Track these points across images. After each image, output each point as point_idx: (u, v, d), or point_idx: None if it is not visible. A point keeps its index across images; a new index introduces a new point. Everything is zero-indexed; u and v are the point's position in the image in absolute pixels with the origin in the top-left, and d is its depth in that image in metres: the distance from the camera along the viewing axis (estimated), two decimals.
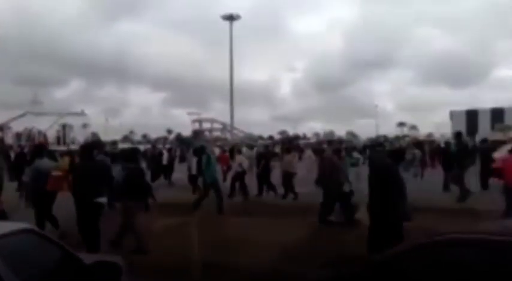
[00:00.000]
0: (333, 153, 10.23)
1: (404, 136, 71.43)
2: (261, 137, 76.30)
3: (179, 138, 66.74)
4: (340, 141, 47.47)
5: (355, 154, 16.20)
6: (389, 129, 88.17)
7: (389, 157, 6.41)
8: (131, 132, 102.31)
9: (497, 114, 53.12)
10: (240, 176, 13.06)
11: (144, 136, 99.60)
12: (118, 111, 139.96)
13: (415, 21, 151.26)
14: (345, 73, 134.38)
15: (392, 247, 3.19)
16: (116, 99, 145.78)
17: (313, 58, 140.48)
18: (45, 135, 52.32)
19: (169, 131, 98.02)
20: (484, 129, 49.18)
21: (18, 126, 62.89)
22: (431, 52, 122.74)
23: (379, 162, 7.40)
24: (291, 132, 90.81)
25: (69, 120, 72.97)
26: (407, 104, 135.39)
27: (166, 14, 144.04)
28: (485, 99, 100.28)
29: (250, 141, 45.99)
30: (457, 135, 13.43)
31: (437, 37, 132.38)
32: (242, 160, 13.55)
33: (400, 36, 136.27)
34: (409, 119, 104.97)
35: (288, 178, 12.73)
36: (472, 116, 54.91)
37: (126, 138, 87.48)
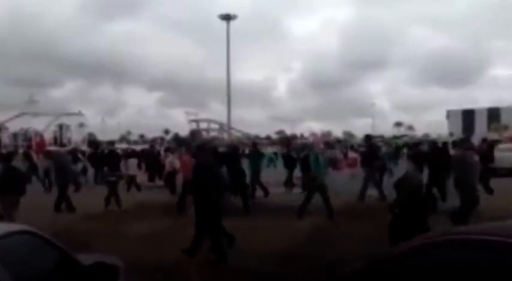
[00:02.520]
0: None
1: (401, 136, 71.59)
2: (258, 137, 76.27)
3: (177, 139, 66.73)
4: (338, 140, 47.51)
5: (353, 154, 16.16)
6: (386, 129, 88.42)
7: None
8: (128, 132, 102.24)
9: (493, 113, 53.36)
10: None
11: (141, 136, 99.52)
12: (115, 112, 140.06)
13: (410, 21, 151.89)
14: (341, 73, 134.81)
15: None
16: (113, 100, 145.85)
17: (310, 58, 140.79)
18: (41, 136, 52.06)
19: (167, 131, 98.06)
20: (481, 129, 49.33)
21: (14, 127, 62.80)
22: (427, 52, 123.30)
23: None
24: (289, 132, 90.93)
25: (66, 120, 72.88)
26: (403, 104, 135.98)
27: (163, 13, 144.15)
28: (481, 98, 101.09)
29: (248, 141, 45.94)
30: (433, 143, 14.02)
31: (432, 37, 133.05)
32: None
33: (395, 36, 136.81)
34: (405, 119, 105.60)
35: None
36: (468, 115, 55.11)
37: (123, 139, 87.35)
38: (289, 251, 6.56)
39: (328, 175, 11.38)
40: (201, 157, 6.80)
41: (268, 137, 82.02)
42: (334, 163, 15.43)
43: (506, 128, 47.01)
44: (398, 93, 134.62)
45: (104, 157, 16.41)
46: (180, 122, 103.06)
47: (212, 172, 6.41)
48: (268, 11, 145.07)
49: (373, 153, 12.82)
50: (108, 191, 11.57)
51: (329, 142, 21.75)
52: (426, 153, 11.85)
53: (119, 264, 3.05)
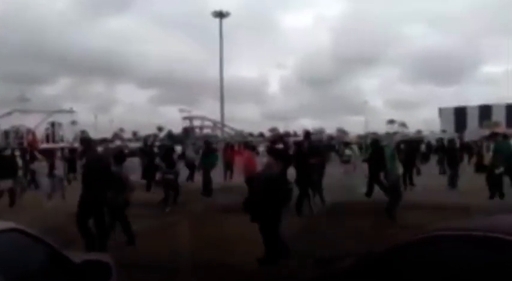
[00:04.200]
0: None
1: (394, 133, 71.84)
2: (251, 135, 76.15)
3: (170, 136, 66.49)
4: (331, 137, 47.59)
5: (347, 151, 16.21)
6: (379, 126, 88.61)
7: None
8: (121, 129, 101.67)
9: (485, 111, 53.81)
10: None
11: (135, 134, 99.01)
12: (108, 109, 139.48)
13: (403, 19, 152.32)
14: (334, 70, 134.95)
15: None
16: (106, 97, 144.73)
17: (303, 55, 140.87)
18: (34, 133, 51.60)
19: (160, 129, 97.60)
20: (472, 126, 49.73)
21: (5, 124, 62.16)
22: (420, 49, 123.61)
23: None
24: (282, 129, 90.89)
25: (58, 118, 72.16)
26: (396, 101, 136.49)
27: (156, 10, 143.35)
28: (473, 96, 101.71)
29: (241, 138, 45.91)
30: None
31: (425, 34, 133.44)
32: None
33: (388, 33, 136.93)
34: (398, 116, 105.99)
35: None
36: (460, 113, 55.57)
37: (116, 136, 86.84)
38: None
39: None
40: (89, 154, 7.52)
41: (261, 134, 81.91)
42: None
43: (497, 125, 47.38)
44: (391, 90, 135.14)
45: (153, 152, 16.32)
46: (173, 120, 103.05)
47: (100, 169, 6.81)
48: (261, 8, 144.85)
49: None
50: (164, 192, 10.90)
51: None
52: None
53: (110, 262, 3.03)
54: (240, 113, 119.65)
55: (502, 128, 43.88)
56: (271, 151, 6.98)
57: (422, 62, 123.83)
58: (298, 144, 12.24)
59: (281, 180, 6.31)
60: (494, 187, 10.87)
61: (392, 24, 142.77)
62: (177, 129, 78.31)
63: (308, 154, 10.37)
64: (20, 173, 12.72)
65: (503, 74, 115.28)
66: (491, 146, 12.28)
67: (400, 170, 9.75)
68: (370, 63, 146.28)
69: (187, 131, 74.20)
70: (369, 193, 11.55)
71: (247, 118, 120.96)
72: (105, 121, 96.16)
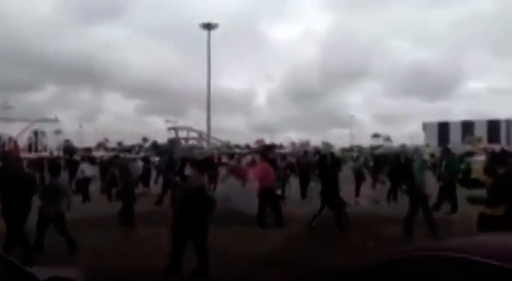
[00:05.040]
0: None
1: (378, 146, 72.53)
2: (237, 146, 76.15)
3: (155, 147, 66.10)
4: (317, 150, 47.76)
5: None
6: (364, 140, 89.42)
7: None
8: (106, 139, 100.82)
9: (467, 126, 54.80)
10: None
11: (119, 144, 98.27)
12: (93, 118, 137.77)
13: (390, 34, 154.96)
14: (321, 83, 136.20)
15: None
16: (91, 106, 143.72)
17: (290, 68, 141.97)
18: (15, 142, 50.85)
19: (145, 139, 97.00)
20: (455, 141, 50.49)
21: None
22: (405, 64, 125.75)
23: None
24: (268, 141, 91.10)
25: (41, 126, 71.35)
26: (381, 115, 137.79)
27: (145, 20, 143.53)
28: (456, 111, 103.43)
29: (227, 150, 45.83)
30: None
31: (410, 50, 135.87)
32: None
33: (375, 48, 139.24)
34: (383, 130, 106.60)
35: None
36: (443, 128, 56.43)
37: (100, 146, 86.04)
38: (261, 262, 6.53)
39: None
40: (10, 163, 7.81)
41: (247, 146, 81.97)
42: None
43: (479, 140, 48.16)
44: (376, 104, 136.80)
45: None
46: (158, 130, 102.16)
47: (20, 178, 6.91)
48: (249, 21, 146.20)
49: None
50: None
51: None
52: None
53: (77, 277, 2.95)
54: (227, 124, 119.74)
55: (484, 144, 44.64)
56: (194, 163, 7.00)
57: (407, 77, 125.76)
58: (322, 156, 12.53)
59: (203, 192, 6.34)
60: (443, 199, 11.14)
61: (379, 40, 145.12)
62: (162, 140, 77.84)
63: (333, 165, 10.42)
64: None
65: (485, 90, 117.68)
66: (443, 161, 12.63)
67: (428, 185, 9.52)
68: (356, 78, 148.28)
69: (173, 142, 73.91)
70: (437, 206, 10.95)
71: (234, 130, 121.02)
72: (90, 130, 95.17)
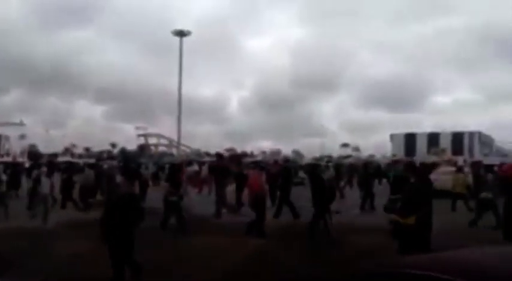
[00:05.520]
0: None
1: (347, 156, 73.64)
2: (208, 154, 75.75)
3: (124, 153, 65.05)
4: (287, 159, 48.10)
5: (301, 174, 16.46)
6: (334, 150, 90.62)
7: None
8: (73, 145, 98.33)
9: (433, 138, 56.21)
10: None
11: (87, 149, 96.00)
12: (60, 123, 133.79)
13: (360, 46, 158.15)
14: (292, 93, 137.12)
15: None
16: (59, 110, 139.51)
17: (262, 77, 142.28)
18: None
19: (114, 145, 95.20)
20: (421, 152, 51.79)
21: None
22: (375, 76, 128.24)
23: None
24: (239, 149, 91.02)
25: (5, 130, 68.94)
26: (351, 126, 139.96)
27: (116, 25, 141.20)
28: (422, 123, 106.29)
29: (198, 157, 45.57)
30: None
31: (381, 62, 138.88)
32: None
33: (345, 59, 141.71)
34: (352, 140, 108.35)
35: None
36: (410, 139, 57.56)
37: (67, 151, 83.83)
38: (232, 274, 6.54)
39: None
40: None
41: (218, 154, 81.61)
42: None
43: (444, 152, 49.61)
44: (346, 114, 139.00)
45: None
46: (128, 136, 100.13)
47: None
48: (222, 29, 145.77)
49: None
50: (164, 213, 10.19)
51: None
52: None
53: None
54: (198, 131, 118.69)
55: (448, 155, 46.04)
56: (124, 170, 7.07)
57: (376, 89, 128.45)
58: (314, 166, 12.70)
59: (132, 200, 6.17)
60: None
61: (350, 52, 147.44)
62: (132, 146, 76.66)
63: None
64: None
65: (451, 104, 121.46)
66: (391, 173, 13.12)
67: None
68: (327, 88, 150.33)
69: (142, 149, 72.91)
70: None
71: (205, 137, 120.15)
72: (57, 136, 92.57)
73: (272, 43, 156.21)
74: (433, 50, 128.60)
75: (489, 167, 15.84)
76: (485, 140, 56.38)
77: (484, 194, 11.29)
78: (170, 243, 8.52)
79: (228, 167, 14.34)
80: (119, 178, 13.74)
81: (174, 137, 44.22)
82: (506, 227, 8.87)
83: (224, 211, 12.77)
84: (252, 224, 9.69)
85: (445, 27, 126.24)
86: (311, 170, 12.51)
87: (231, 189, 14.16)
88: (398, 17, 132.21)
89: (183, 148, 55.24)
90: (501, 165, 16.49)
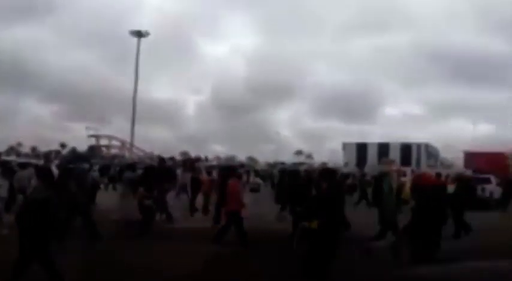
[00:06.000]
0: None
1: (300, 163, 74.77)
2: (161, 157, 74.49)
3: (73, 154, 62.76)
4: (241, 165, 48.17)
5: (257, 179, 16.56)
6: (288, 157, 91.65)
7: None
8: (18, 144, 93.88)
9: (383, 148, 58.10)
10: None
11: (33, 149, 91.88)
12: (6, 121, 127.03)
13: (316, 56, 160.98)
14: (248, 99, 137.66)
15: None
16: (5, 108, 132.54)
17: (219, 82, 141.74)
18: None
19: (63, 145, 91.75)
20: (372, 161, 53.52)
21: None
22: (329, 87, 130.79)
23: None
24: (193, 154, 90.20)
25: None
26: (305, 133, 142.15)
27: (71, 23, 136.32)
28: (374, 133, 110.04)
29: (151, 161, 44.74)
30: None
31: (334, 74, 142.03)
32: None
33: (301, 68, 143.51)
34: (306, 148, 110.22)
35: None
36: (361, 148, 59.24)
37: (12, 150, 79.88)
38: None
39: None
40: None
41: (172, 158, 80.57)
42: None
43: (392, 162, 51.54)
44: (300, 122, 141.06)
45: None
46: (79, 137, 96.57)
47: None
48: (181, 33, 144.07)
49: None
50: (142, 218, 9.83)
51: None
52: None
53: None
54: (152, 134, 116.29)
55: (396, 165, 47.82)
56: (40, 173, 6.72)
57: (330, 99, 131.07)
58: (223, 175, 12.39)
59: (49, 205, 5.73)
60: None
61: (306, 62, 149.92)
62: (82, 147, 74.12)
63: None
64: None
65: (400, 116, 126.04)
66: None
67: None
68: (282, 96, 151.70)
69: (93, 150, 70.78)
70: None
71: (159, 140, 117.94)
72: (1, 134, 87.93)
73: (230, 49, 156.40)
74: (384, 64, 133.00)
75: None
76: (431, 151, 59.11)
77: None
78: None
79: (170, 171, 13.97)
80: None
81: (128, 139, 43.23)
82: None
83: (175, 216, 12.44)
84: (223, 231, 9.51)
85: (394, 42, 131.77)
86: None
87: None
88: (353, 30, 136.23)
89: (135, 150, 54.05)
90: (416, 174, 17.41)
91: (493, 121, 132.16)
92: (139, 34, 33.56)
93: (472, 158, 53.10)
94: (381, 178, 10.66)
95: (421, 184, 9.74)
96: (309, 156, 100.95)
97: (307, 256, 5.86)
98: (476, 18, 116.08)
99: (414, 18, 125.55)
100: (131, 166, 14.92)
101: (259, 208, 13.94)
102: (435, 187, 9.61)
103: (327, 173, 6.89)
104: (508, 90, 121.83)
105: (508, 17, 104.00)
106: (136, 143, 44.23)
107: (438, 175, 16.07)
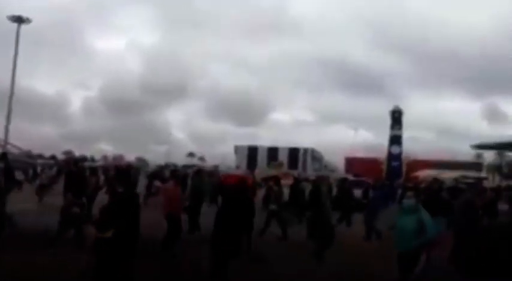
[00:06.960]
0: None
1: (192, 165, 74.38)
2: (41, 156, 68.61)
3: None
4: (129, 165, 46.35)
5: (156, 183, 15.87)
6: (180, 158, 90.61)
7: None
8: None
9: (272, 152, 60.54)
10: None
11: None
12: None
13: (213, 58, 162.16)
14: (141, 98, 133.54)
15: None
16: None
17: (110, 79, 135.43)
18: None
19: None
20: (262, 164, 55.26)
21: None
22: (223, 90, 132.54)
23: None
24: (78, 153, 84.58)
25: None
26: (198, 135, 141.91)
27: None
28: (264, 137, 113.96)
29: (28, 159, 40.96)
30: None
31: (229, 77, 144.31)
32: None
33: (197, 70, 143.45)
34: (198, 150, 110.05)
35: None
36: (252, 151, 60.99)
37: None
38: None
39: None
40: None
41: (53, 157, 74.67)
42: None
43: (281, 165, 53.84)
44: (194, 124, 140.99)
45: None
46: None
47: None
48: (69, 24, 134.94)
49: None
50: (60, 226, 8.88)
51: None
52: None
53: None
54: (32, 131, 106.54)
55: (285, 168, 50.11)
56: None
57: (224, 101, 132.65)
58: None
59: None
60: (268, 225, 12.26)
61: (202, 62, 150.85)
62: None
63: None
64: None
65: (289, 121, 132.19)
66: None
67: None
68: (177, 96, 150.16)
69: None
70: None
71: (40, 137, 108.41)
72: None
73: (124, 46, 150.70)
74: (276, 70, 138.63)
75: None
76: (316, 156, 62.89)
77: (271, 206, 12.79)
78: None
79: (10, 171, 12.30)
80: None
81: (1, 135, 39.14)
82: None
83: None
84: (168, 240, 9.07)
85: (288, 49, 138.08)
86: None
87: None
88: (253, 35, 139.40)
89: (9, 147, 49.03)
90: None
91: (371, 129, 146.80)
92: (19, 20, 30.60)
93: (351, 162, 57.82)
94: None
95: (225, 183, 9.48)
96: (201, 158, 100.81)
97: (97, 266, 5.16)
98: (365, 33, 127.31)
99: (310, 27, 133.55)
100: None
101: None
102: (237, 188, 8.36)
103: (122, 175, 5.88)
104: (385, 100, 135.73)
105: (391, 35, 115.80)
106: (13, 140, 40.17)
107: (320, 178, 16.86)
